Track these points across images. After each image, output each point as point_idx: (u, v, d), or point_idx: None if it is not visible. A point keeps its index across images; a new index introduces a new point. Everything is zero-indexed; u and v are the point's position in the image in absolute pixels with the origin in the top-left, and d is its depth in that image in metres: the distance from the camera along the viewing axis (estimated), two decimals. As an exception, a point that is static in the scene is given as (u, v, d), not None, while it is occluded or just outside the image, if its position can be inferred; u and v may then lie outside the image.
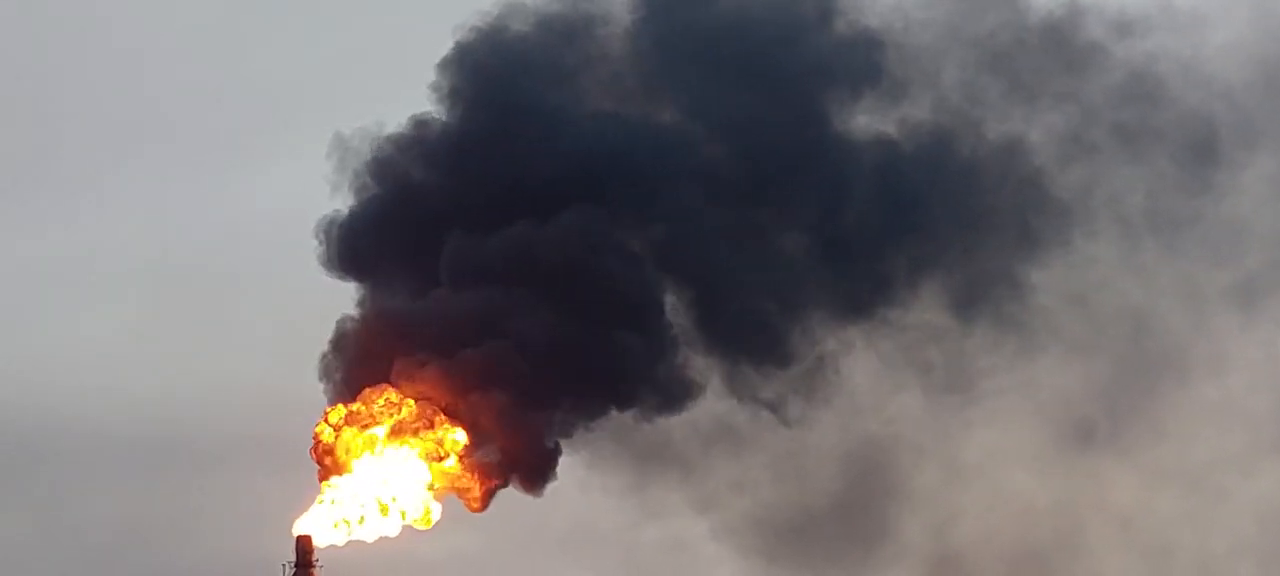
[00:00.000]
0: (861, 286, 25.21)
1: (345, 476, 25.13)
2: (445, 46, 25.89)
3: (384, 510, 25.18)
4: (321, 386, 25.89)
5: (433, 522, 24.98)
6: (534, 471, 24.35)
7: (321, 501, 25.68)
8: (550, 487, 25.34)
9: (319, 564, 26.23)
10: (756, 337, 25.19)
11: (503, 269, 24.27)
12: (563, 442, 24.67)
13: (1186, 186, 26.22)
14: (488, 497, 24.73)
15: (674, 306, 24.78)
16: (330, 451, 25.05)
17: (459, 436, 24.25)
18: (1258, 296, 27.04)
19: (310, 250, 26.10)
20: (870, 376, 26.14)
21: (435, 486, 24.66)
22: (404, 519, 24.80)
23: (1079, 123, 26.25)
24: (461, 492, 24.59)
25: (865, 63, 25.39)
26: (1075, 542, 28.57)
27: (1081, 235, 26.13)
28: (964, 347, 25.94)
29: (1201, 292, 27.00)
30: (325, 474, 25.27)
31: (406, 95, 26.77)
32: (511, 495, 25.09)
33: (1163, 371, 27.20)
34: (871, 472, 26.96)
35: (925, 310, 25.48)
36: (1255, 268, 26.92)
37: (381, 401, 24.77)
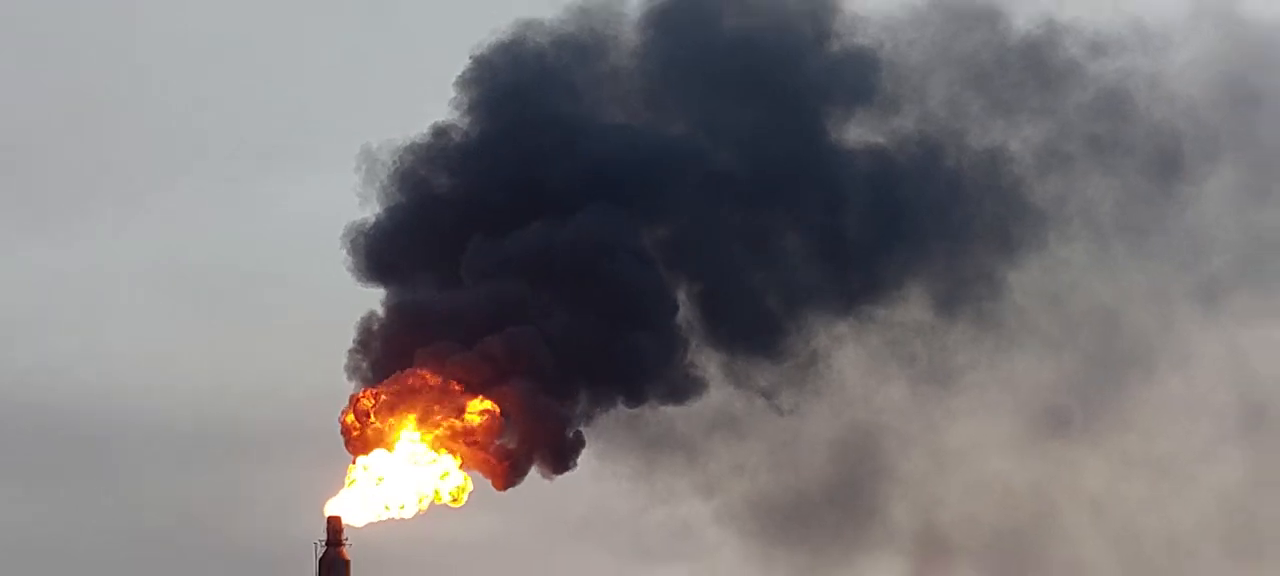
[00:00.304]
0: (853, 286, 27.10)
1: (373, 458, 26.90)
2: (464, 63, 27.76)
3: (411, 492, 27.13)
4: (350, 378, 27.70)
5: (463, 500, 26.65)
6: (556, 455, 26.14)
7: (351, 483, 27.51)
8: (564, 474, 27.25)
9: (348, 542, 28.11)
10: (756, 332, 27.07)
11: (521, 266, 25.95)
12: (583, 431, 26.31)
13: (1153, 195, 28.22)
14: (511, 479, 26.49)
15: (682, 302, 26.59)
16: (359, 435, 26.77)
17: (483, 420, 26.05)
18: (1219, 296, 28.97)
19: (340, 255, 28.06)
20: (859, 369, 27.94)
21: (462, 468, 26.51)
22: (436, 499, 26.71)
23: (1055, 136, 28.17)
24: (487, 473, 26.34)
25: (859, 80, 27.22)
26: (1050, 523, 30.43)
27: (1056, 239, 27.93)
28: (946, 343, 27.70)
29: (1167, 293, 28.94)
30: (355, 456, 27.01)
31: (429, 109, 28.52)
32: (530, 479, 27.09)
33: (1131, 366, 29.05)
34: (861, 458, 28.73)
35: (911, 308, 27.31)
36: (1217, 270, 28.85)
37: (407, 387, 26.50)
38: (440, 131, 27.71)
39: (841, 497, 28.79)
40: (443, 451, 26.26)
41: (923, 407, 28.69)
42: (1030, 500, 30.09)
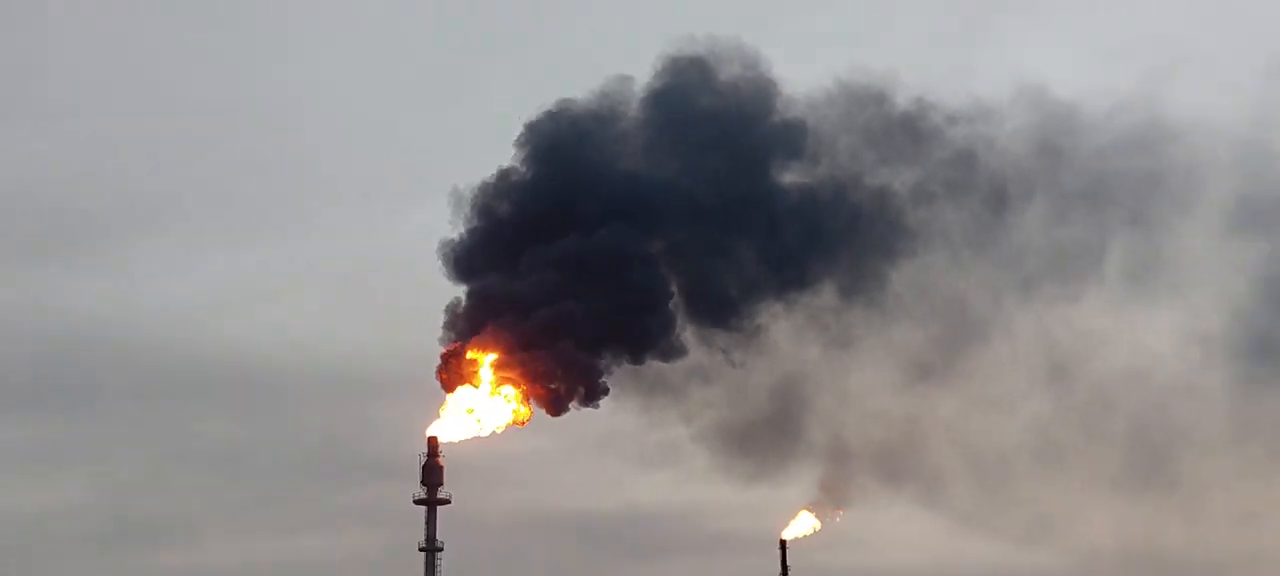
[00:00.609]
0: (786, 281, 39.75)
1: (460, 394, 39.17)
2: (519, 128, 39.95)
3: (487, 418, 39.59)
4: (443, 342, 39.60)
5: (525, 423, 39.15)
6: (587, 395, 38.73)
7: (443, 413, 40.04)
8: (592, 407, 39.94)
9: (442, 455, 40.79)
10: (720, 312, 39.74)
11: (561, 266, 37.88)
12: (604, 379, 38.79)
13: (988, 220, 41.27)
14: (557, 410, 39.09)
15: (672, 292, 38.93)
16: (450, 379, 38.98)
17: (537, 368, 38.19)
18: (1033, 289, 42.11)
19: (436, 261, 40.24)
20: (788, 337, 40.88)
21: (522, 401, 38.94)
22: (505, 423, 39.25)
23: (923, 179, 41.07)
24: (541, 404, 38.85)
25: (791, 141, 39.73)
26: (918, 441, 43.96)
27: (923, 249, 40.90)
28: (848, 319, 40.63)
29: (998, 286, 42.20)
30: (447, 394, 39.25)
31: (495, 159, 40.71)
32: (569, 411, 39.75)
33: (973, 336, 42.28)
34: (789, 397, 41.81)
35: (824, 295, 40.10)
36: (1031, 270, 41.89)
37: (484, 346, 38.38)
38: (503, 174, 39.72)
39: (776, 424, 41.91)
40: (510, 389, 38.89)
41: (831, 363, 42.05)
42: (904, 426, 43.58)
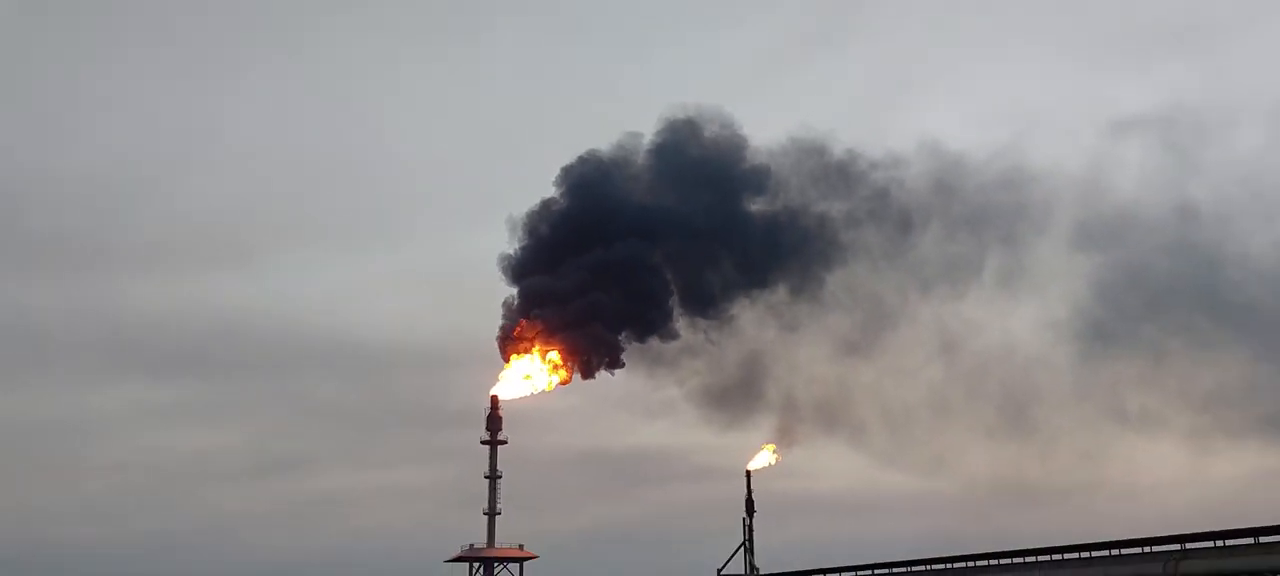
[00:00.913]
0: (751, 283, 54.81)
1: (515, 363, 54.06)
2: (557, 172, 54.84)
3: (535, 380, 54.51)
4: (502, 321, 54.41)
5: (564, 383, 54.15)
6: (610, 364, 53.74)
7: (502, 377, 54.98)
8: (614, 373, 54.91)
9: (501, 409, 55.83)
10: (705, 306, 54.77)
11: (591, 271, 52.69)
12: (622, 354, 53.81)
13: (898, 239, 56.55)
14: (587, 375, 54.10)
15: (671, 291, 53.81)
16: (507, 351, 53.90)
17: (573, 344, 53.09)
18: (929, 289, 57.32)
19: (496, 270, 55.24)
20: (752, 323, 56.08)
21: (561, 367, 53.84)
22: (548, 385, 54.21)
23: (853, 210, 56.14)
24: (576, 371, 53.79)
25: (757, 181, 54.72)
26: (847, 399, 59.07)
27: (852, 260, 56.14)
28: (795, 310, 55.84)
29: (904, 287, 57.48)
30: (505, 361, 54.12)
31: (539, 193, 55.71)
32: (597, 377, 54.84)
33: (887, 323, 57.58)
34: (753, 367, 57.04)
35: (778, 293, 55.28)
36: (928, 276, 57.09)
37: (532, 327, 53.27)
38: (545, 204, 54.32)
39: (743, 386, 57.01)
40: (552, 358, 53.73)
41: (783, 342, 57.36)
42: (836, 388, 58.83)
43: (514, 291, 54.41)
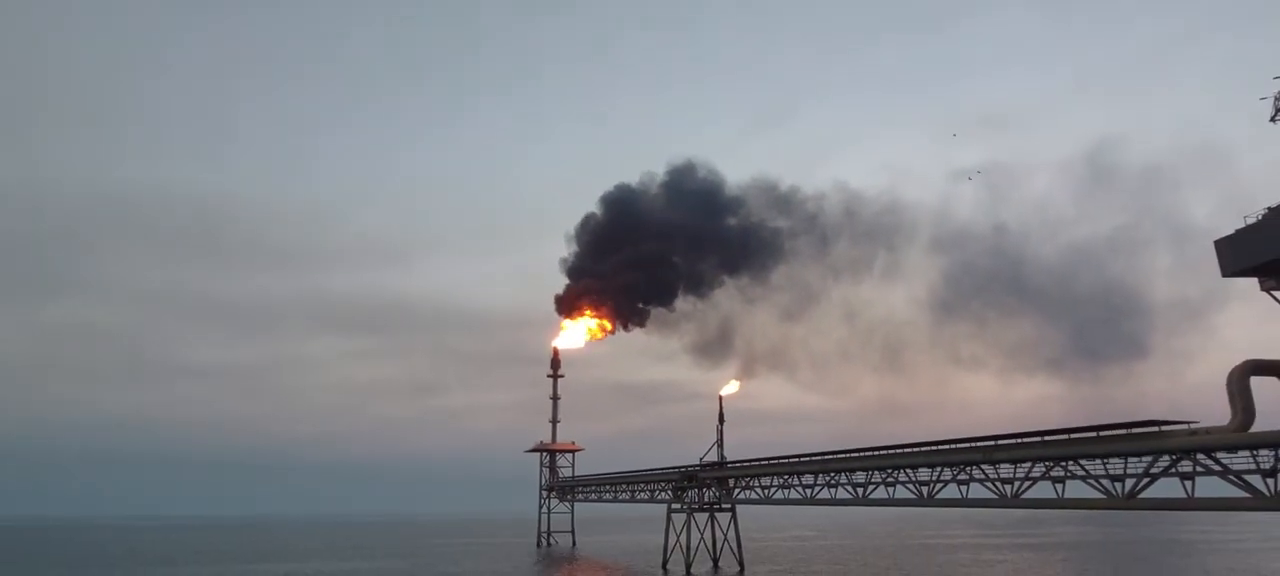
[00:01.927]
0: (724, 272, 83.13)
1: (569, 324, 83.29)
2: (596, 199, 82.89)
3: (584, 333, 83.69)
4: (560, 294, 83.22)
5: (607, 335, 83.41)
6: (640, 323, 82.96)
7: (562, 332, 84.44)
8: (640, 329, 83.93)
9: (561, 355, 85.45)
10: (698, 286, 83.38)
11: (625, 262, 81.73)
12: (647, 316, 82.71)
13: (821, 247, 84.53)
14: (620, 329, 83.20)
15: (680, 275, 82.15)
16: (565, 312, 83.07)
17: (610, 310, 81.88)
18: (840, 278, 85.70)
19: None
20: (728, 298, 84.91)
21: (604, 323, 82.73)
22: (594, 335, 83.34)
23: (794, 226, 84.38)
24: (615, 326, 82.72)
25: (733, 205, 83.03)
26: (786, 349, 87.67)
27: (790, 260, 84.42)
28: (754, 291, 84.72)
29: (825, 277, 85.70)
30: (562, 321, 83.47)
31: (583, 209, 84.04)
32: (630, 332, 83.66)
33: (812, 299, 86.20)
34: (726, 329, 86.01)
35: (744, 280, 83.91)
36: (839, 269, 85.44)
37: (582, 296, 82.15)
38: (586, 219, 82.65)
39: (719, 341, 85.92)
40: (597, 317, 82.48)
41: (746, 312, 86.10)
42: (779, 342, 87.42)
43: (567, 281, 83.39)
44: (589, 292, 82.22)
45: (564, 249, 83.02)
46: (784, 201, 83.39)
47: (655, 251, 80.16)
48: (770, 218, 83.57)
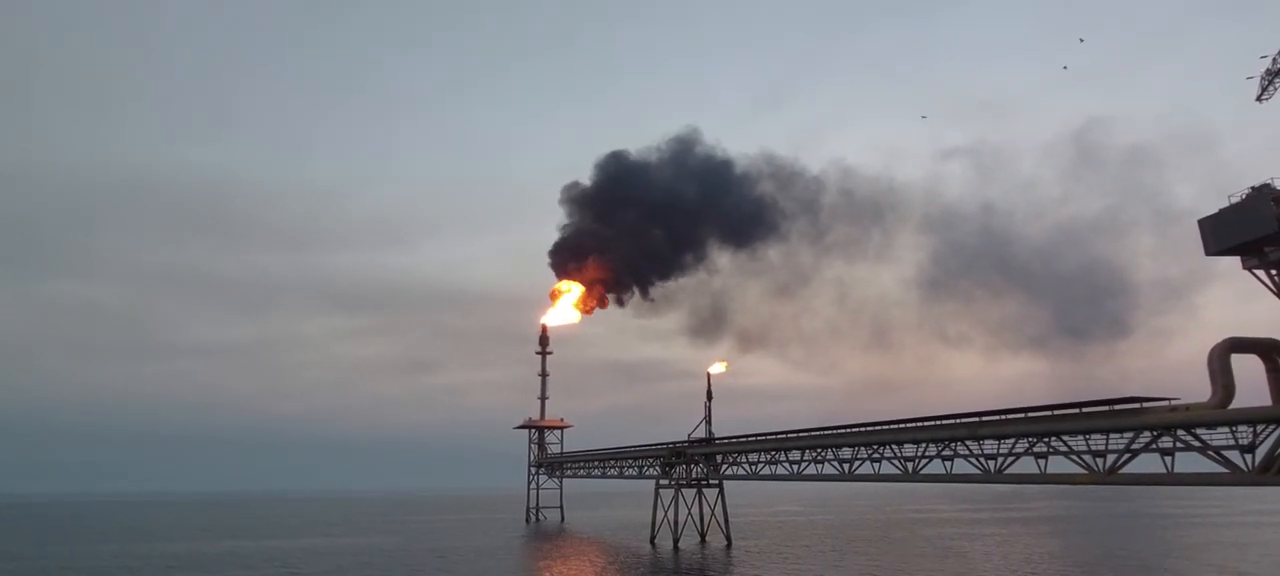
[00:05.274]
0: (726, 244, 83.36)
1: (558, 301, 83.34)
2: (592, 165, 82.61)
3: (573, 310, 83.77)
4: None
5: (587, 314, 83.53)
6: (627, 297, 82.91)
7: (550, 312, 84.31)
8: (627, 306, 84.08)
9: (549, 333, 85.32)
10: (695, 260, 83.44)
11: (618, 231, 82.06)
12: (637, 291, 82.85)
13: (814, 227, 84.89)
14: (609, 305, 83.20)
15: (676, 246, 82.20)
16: (553, 297, 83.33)
17: (601, 284, 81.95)
18: (832, 256, 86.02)
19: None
20: (727, 271, 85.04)
21: (592, 298, 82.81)
22: (584, 311, 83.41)
23: (787, 204, 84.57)
24: (601, 304, 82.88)
25: (732, 181, 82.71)
26: (777, 327, 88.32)
27: (785, 238, 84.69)
28: (750, 267, 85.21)
29: (817, 256, 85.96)
30: (552, 300, 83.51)
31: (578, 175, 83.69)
32: (619, 309, 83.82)
33: (804, 277, 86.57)
34: (721, 302, 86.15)
35: (741, 256, 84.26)
36: (832, 249, 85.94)
37: (572, 273, 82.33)
38: (569, 185, 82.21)
39: (716, 317, 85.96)
40: (584, 293, 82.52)
41: (740, 287, 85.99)
42: (770, 319, 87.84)
43: (554, 261, 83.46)
44: (591, 247, 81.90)
45: (562, 219, 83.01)
46: (781, 179, 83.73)
47: (659, 209, 80.00)
48: (770, 194, 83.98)
